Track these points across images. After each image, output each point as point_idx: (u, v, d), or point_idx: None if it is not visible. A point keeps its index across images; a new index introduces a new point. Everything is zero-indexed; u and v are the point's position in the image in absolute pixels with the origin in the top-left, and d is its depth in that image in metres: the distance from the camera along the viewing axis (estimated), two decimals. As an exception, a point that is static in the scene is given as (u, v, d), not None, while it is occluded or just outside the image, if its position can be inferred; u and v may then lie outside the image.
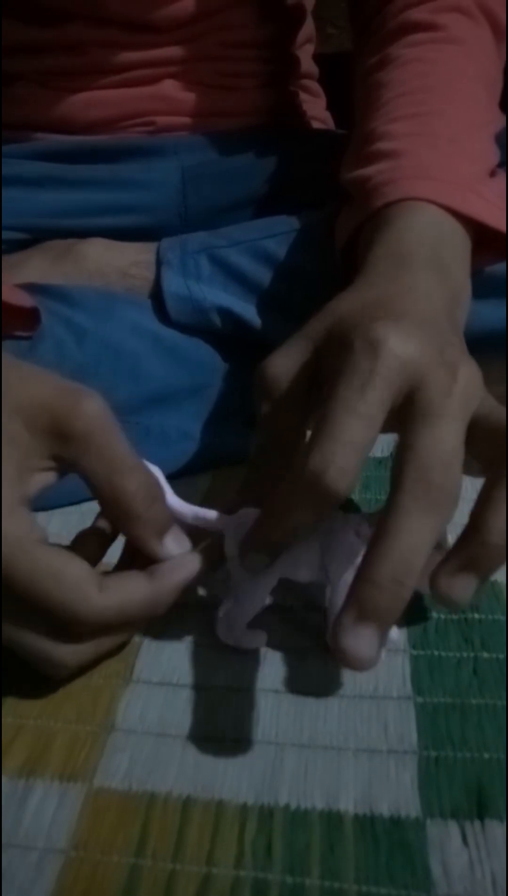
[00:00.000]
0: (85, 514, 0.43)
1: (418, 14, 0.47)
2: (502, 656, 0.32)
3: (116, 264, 0.50)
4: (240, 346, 0.49)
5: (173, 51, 0.54)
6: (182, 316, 0.48)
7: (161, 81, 0.55)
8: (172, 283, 0.47)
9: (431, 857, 0.24)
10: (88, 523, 0.42)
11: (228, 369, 0.49)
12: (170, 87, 0.55)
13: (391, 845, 0.24)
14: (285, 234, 0.49)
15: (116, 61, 0.53)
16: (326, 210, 0.50)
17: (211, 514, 0.32)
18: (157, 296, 0.49)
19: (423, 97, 0.44)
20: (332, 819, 0.25)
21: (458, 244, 0.38)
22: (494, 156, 0.44)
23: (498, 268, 0.44)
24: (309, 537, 0.30)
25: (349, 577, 0.29)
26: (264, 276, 0.48)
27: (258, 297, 0.48)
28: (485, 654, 0.32)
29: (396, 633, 0.32)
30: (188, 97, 0.56)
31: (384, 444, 0.50)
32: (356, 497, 0.44)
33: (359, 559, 0.28)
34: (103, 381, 0.45)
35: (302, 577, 0.31)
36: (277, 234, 0.49)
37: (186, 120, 0.56)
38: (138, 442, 0.46)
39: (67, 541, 0.33)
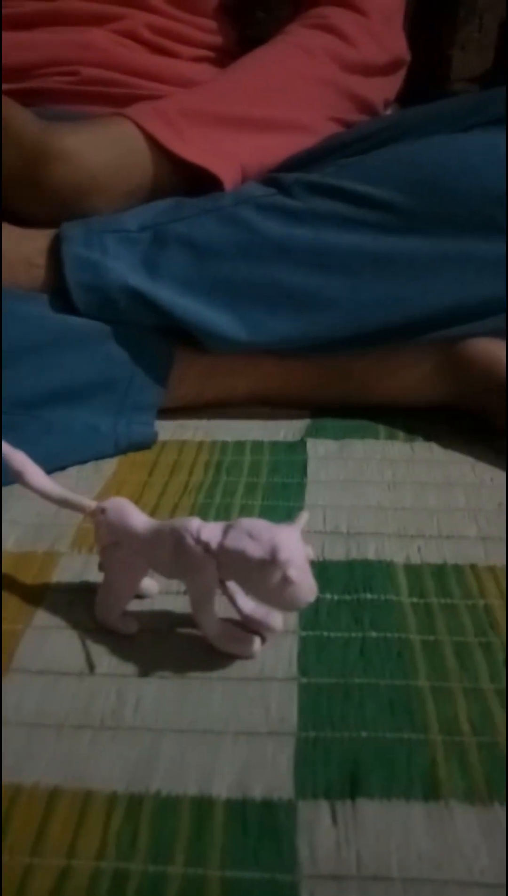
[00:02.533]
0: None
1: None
2: (390, 635, 0.31)
3: (21, 252, 0.47)
4: (155, 339, 0.48)
5: None
6: (83, 294, 0.45)
7: (90, 30, 0.53)
8: (72, 258, 0.45)
9: (299, 839, 0.23)
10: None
11: (143, 363, 0.48)
12: (100, 37, 0.54)
13: (261, 829, 0.24)
14: (194, 216, 0.48)
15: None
16: (242, 189, 0.49)
17: (80, 498, 0.32)
18: (63, 286, 0.47)
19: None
20: (203, 805, 0.24)
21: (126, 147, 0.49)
22: (269, 149, 0.53)
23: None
24: (161, 542, 0.29)
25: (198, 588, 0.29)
26: (175, 259, 0.47)
27: (169, 279, 0.47)
28: (373, 634, 0.31)
29: (278, 620, 0.31)
30: (119, 52, 0.55)
31: (295, 430, 0.50)
32: (264, 481, 0.44)
33: (207, 570, 0.28)
34: (4, 374, 0.43)
35: (164, 574, 0.30)
36: (186, 217, 0.48)
37: (113, 75, 0.55)
38: (39, 436, 0.45)
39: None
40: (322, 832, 0.23)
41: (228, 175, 0.50)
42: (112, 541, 0.30)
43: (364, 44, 0.60)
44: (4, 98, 0.46)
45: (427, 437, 0.48)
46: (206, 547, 0.28)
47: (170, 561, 0.29)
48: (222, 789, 0.25)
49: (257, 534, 0.27)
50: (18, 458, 0.32)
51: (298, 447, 0.47)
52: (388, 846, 0.23)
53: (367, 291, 0.45)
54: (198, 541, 0.28)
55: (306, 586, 0.27)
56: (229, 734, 0.27)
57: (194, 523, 0.28)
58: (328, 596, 0.34)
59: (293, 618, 0.32)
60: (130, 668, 0.30)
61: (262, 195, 0.47)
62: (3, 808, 0.24)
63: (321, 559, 0.36)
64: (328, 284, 0.45)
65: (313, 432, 0.49)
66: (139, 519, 0.30)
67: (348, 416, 0.51)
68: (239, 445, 0.48)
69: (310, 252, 0.45)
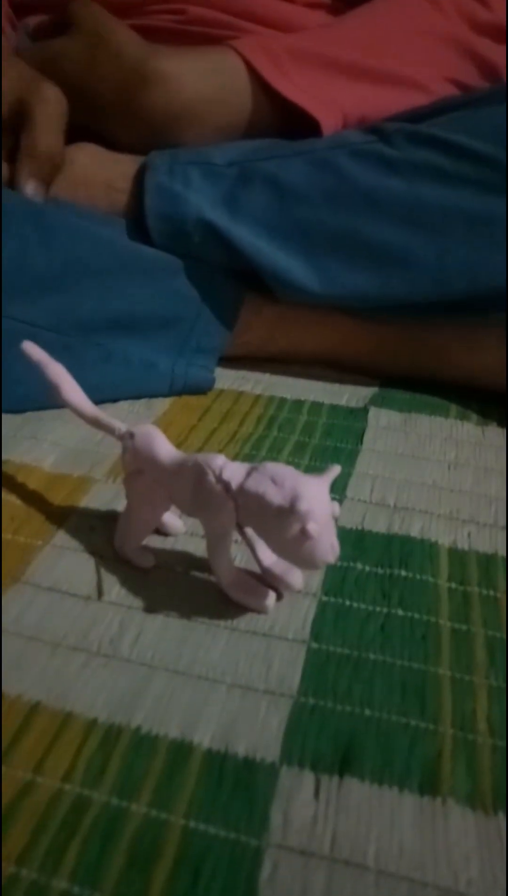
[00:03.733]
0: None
1: None
2: (418, 616, 0.29)
3: (103, 176, 0.46)
4: (225, 280, 0.46)
5: None
6: (160, 223, 0.44)
7: None
8: (154, 186, 0.44)
9: (274, 805, 0.21)
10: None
11: (210, 304, 0.46)
12: None
13: (236, 786, 0.22)
14: (285, 157, 0.45)
15: None
16: (341, 134, 0.46)
17: (111, 420, 0.30)
18: (141, 214, 0.46)
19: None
20: (182, 749, 0.23)
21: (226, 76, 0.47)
22: (376, 102, 0.49)
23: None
24: (183, 476, 0.27)
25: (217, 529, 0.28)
26: (258, 198, 0.45)
27: (248, 219, 0.45)
28: (400, 612, 0.29)
29: (298, 578, 0.29)
30: None
31: (360, 397, 0.47)
32: (315, 442, 0.41)
33: (225, 511, 0.26)
34: (67, 294, 0.42)
35: (183, 510, 0.29)
36: (276, 156, 0.45)
37: (220, 16, 0.53)
38: (96, 364, 0.44)
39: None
40: (301, 803, 0.21)
41: (327, 120, 0.47)
42: (136, 468, 0.29)
43: (499, 4, 0.55)
44: (108, 15, 0.45)
45: (503, 424, 0.44)
46: (226, 486, 0.26)
47: (189, 496, 0.27)
48: (204, 738, 0.23)
49: (280, 480, 0.25)
50: (56, 371, 0.31)
51: (359, 414, 0.45)
52: (369, 833, 0.21)
53: (455, 253, 0.41)
54: (219, 479, 0.26)
55: (326, 544, 0.25)
56: (224, 685, 0.25)
57: (218, 460, 0.27)
58: (359, 566, 0.31)
59: (316, 580, 0.30)
60: (137, 602, 0.29)
61: (359, 141, 0.44)
62: (-17, 712, 0.24)
63: (359, 528, 0.34)
64: (414, 241, 0.41)
65: (378, 401, 0.46)
66: (165, 449, 0.29)
67: (419, 390, 0.48)
68: (297, 404, 0.46)
69: (400, 205, 0.42)
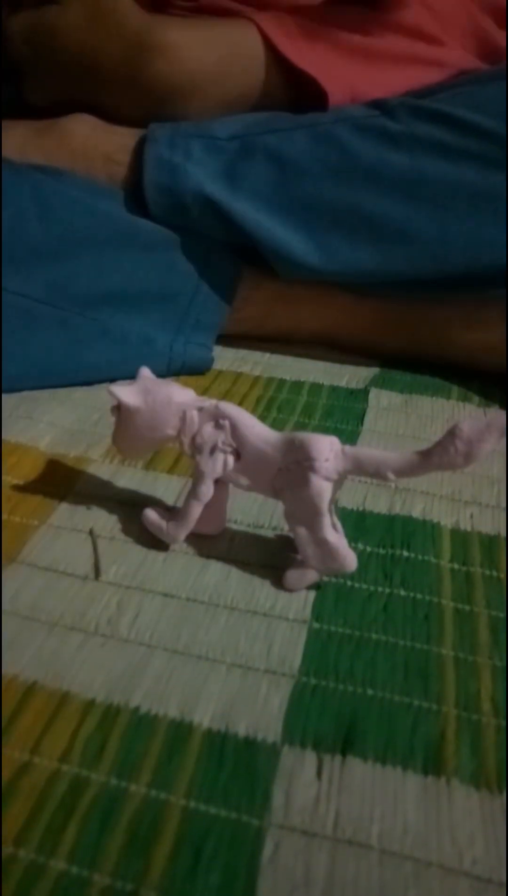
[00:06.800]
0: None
1: None
2: (420, 597, 0.28)
3: (102, 148, 0.45)
4: (223, 255, 0.45)
5: None
6: (158, 196, 0.43)
7: None
8: (154, 158, 0.43)
9: (276, 785, 0.21)
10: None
11: (208, 278, 0.45)
12: None
13: (237, 766, 0.22)
14: (288, 130, 0.44)
15: None
16: (344, 108, 0.45)
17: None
18: (139, 187, 0.45)
19: None
20: (181, 729, 0.23)
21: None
22: (384, 82, 0.47)
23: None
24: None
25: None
26: (259, 172, 0.44)
27: (248, 193, 0.44)
28: (402, 592, 0.28)
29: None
30: None
31: (361, 378, 0.46)
32: (315, 423, 0.41)
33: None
34: (63, 267, 0.42)
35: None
36: (278, 129, 0.45)
37: (232, 5, 0.51)
38: (92, 340, 0.43)
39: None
40: (303, 783, 0.21)
41: (335, 92, 0.46)
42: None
43: None
44: None
45: (504, 406, 0.44)
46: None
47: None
48: (204, 718, 0.23)
49: None
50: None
51: (359, 395, 0.44)
52: (372, 812, 0.20)
53: (456, 228, 0.40)
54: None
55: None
56: (224, 664, 0.25)
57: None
58: (360, 546, 0.31)
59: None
60: (135, 581, 0.28)
61: (362, 115, 0.43)
62: (-21, 692, 0.23)
63: (360, 508, 0.34)
64: (415, 216, 0.41)
65: (378, 382, 0.46)
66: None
67: (420, 372, 0.47)
68: (297, 385, 0.45)
69: (401, 180, 0.41)
